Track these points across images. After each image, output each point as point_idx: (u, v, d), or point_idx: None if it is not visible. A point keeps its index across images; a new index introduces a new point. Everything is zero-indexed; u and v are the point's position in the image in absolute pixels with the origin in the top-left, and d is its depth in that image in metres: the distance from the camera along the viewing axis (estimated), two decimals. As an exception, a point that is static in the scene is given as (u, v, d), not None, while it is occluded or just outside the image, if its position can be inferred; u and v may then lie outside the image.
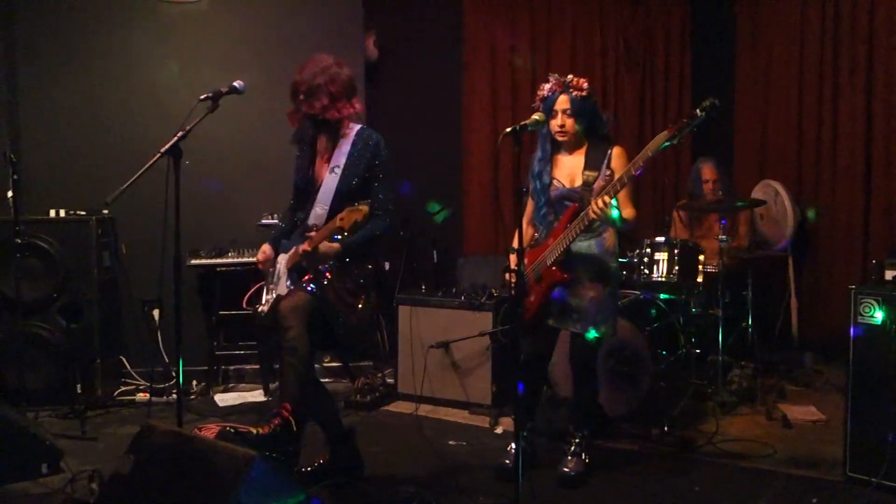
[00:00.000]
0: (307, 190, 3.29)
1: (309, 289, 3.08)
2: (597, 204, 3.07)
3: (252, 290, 3.36)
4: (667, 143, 3.04)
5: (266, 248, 3.33)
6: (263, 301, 3.27)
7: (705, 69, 6.22)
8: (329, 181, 3.20)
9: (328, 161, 3.24)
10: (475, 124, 6.03)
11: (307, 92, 3.15)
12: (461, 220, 6.10)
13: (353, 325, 3.18)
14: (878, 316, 3.18)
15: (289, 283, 3.20)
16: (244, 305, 3.35)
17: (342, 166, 3.20)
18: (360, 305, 3.20)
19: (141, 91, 5.06)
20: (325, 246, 3.06)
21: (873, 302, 3.20)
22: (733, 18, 6.07)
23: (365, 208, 2.93)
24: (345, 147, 3.23)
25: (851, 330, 3.26)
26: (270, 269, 3.29)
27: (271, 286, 3.26)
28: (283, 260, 3.25)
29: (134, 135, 4.88)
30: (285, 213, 3.48)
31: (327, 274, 3.12)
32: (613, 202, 3.09)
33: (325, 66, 3.19)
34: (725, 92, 6.10)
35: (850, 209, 5.26)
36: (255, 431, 2.89)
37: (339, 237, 3.01)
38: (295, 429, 3.01)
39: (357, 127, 3.30)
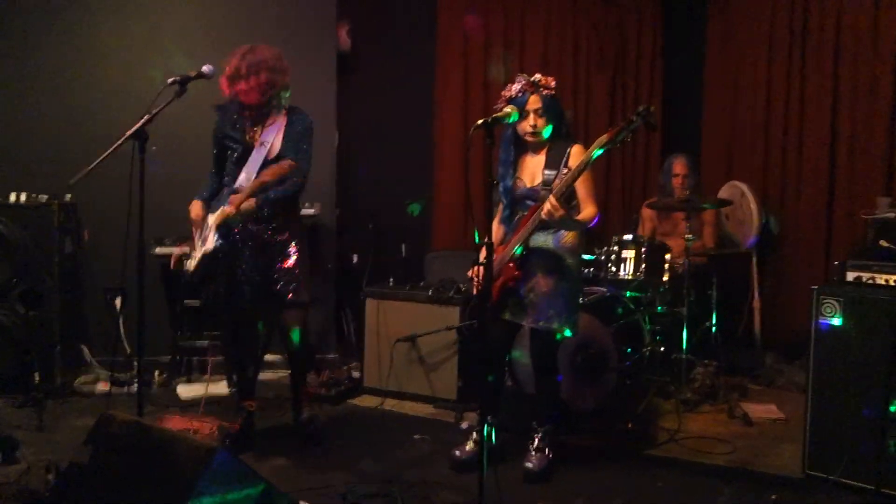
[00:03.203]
0: (227, 157, 3.57)
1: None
2: (547, 205, 3.11)
3: (176, 253, 3.56)
4: (603, 149, 3.09)
5: (198, 206, 3.55)
6: (192, 257, 3.47)
7: (676, 70, 6.28)
8: (257, 154, 3.45)
9: (254, 133, 3.50)
10: (446, 118, 6.01)
11: (247, 77, 3.38)
12: (431, 214, 6.08)
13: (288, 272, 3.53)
14: (839, 317, 3.23)
15: (217, 239, 3.41)
16: (172, 267, 3.58)
17: (269, 142, 3.45)
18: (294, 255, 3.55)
19: (107, 74, 4.96)
20: (245, 204, 3.36)
21: (835, 303, 3.25)
22: (705, 20, 6.13)
23: (287, 163, 3.36)
24: (273, 126, 3.48)
25: (813, 330, 3.30)
26: (199, 227, 3.53)
27: (198, 242, 3.47)
28: (211, 218, 3.46)
29: (99, 118, 4.79)
30: (210, 176, 3.68)
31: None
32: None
33: (268, 57, 3.43)
34: (695, 93, 6.17)
35: (813, 211, 5.33)
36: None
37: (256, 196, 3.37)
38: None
39: (287, 106, 3.54)
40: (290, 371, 3.90)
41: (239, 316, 3.64)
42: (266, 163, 3.44)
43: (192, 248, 3.51)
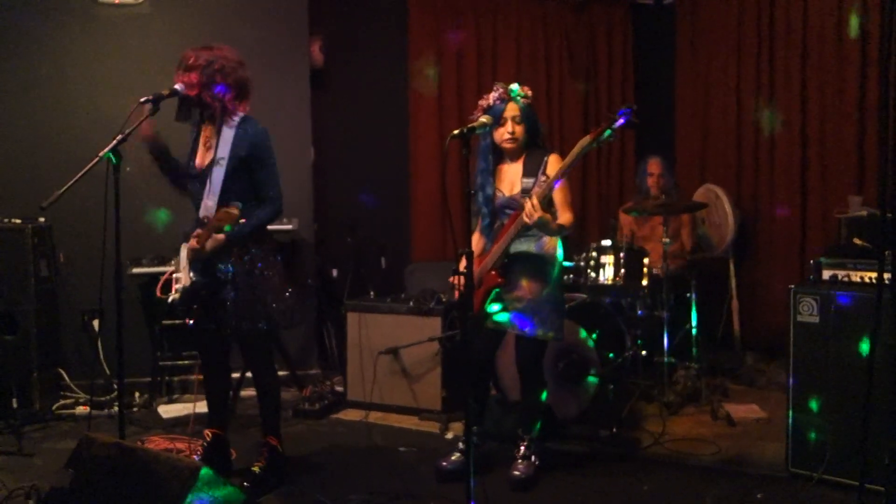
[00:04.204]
0: (188, 174, 3.38)
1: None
2: (528, 207, 3.12)
3: (164, 278, 3.38)
4: (587, 148, 3.11)
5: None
6: (173, 290, 3.35)
7: (647, 76, 6.35)
8: (216, 174, 3.26)
9: (211, 150, 3.32)
10: (422, 130, 6.03)
11: (206, 73, 3.22)
12: (409, 226, 6.09)
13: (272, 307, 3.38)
14: (816, 315, 3.27)
15: (192, 275, 3.31)
16: (158, 294, 3.39)
17: (227, 157, 3.26)
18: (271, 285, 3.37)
19: (79, 94, 4.92)
20: (210, 242, 3.22)
21: (812, 301, 3.29)
22: (673, 25, 6.21)
23: (235, 210, 3.07)
24: (227, 137, 3.29)
25: (791, 328, 3.34)
26: (175, 258, 3.42)
27: (177, 274, 3.37)
28: (183, 251, 3.36)
29: (71, 139, 4.74)
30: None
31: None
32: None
33: (229, 58, 3.31)
34: (667, 98, 6.24)
35: (787, 212, 5.40)
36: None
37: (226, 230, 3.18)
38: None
39: (239, 117, 3.34)
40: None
41: (212, 345, 3.53)
42: (226, 177, 3.26)
43: (175, 281, 3.39)
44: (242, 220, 3.09)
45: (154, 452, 2.51)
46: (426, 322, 4.48)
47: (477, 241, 3.57)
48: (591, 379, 3.95)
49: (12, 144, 4.85)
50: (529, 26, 6.12)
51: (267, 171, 3.35)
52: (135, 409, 4.67)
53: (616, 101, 6.23)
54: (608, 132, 3.07)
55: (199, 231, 3.25)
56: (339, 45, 5.86)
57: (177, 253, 3.42)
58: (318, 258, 5.55)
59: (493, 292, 3.41)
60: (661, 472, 3.55)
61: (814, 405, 3.28)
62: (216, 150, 3.29)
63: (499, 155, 3.53)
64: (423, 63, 6.00)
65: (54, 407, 4.59)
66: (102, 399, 4.67)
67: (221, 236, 3.21)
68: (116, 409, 3.93)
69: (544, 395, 3.57)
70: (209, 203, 3.27)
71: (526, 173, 3.42)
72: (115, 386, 4.57)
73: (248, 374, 3.70)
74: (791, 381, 3.37)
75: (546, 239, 3.44)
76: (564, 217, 3.35)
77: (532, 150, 3.47)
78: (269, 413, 3.54)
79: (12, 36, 4.86)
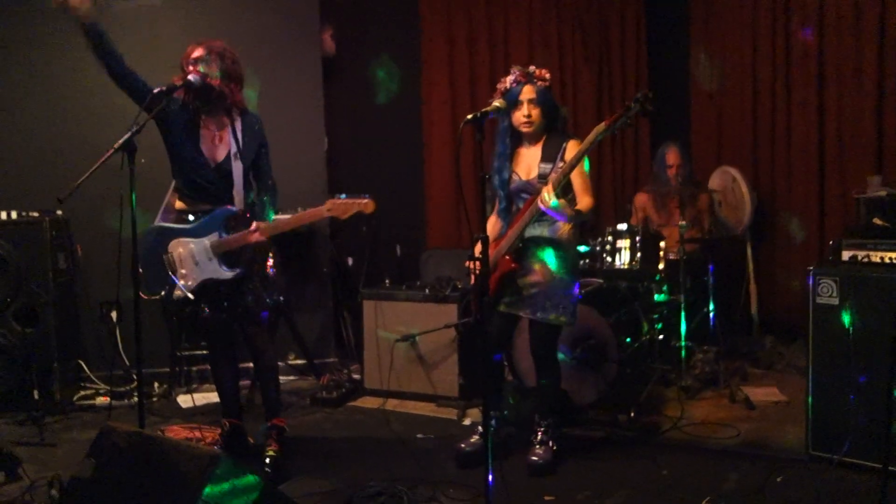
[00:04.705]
0: (193, 162, 3.38)
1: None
2: (543, 193, 3.12)
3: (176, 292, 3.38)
4: (602, 135, 3.12)
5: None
6: (181, 286, 3.35)
7: (661, 59, 6.29)
8: (238, 168, 3.36)
9: (224, 143, 3.36)
10: (434, 117, 6.01)
11: (223, 65, 3.30)
12: (423, 213, 6.08)
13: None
14: (836, 297, 3.24)
15: (225, 268, 3.33)
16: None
17: (243, 151, 3.37)
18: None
19: (94, 87, 4.91)
20: (258, 241, 3.33)
21: (831, 282, 3.26)
22: (687, 7, 6.14)
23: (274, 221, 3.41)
24: (239, 129, 3.38)
25: (811, 310, 3.31)
26: (180, 256, 3.38)
27: (183, 271, 3.35)
28: (207, 245, 3.34)
29: (87, 132, 4.76)
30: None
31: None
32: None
33: (234, 52, 3.38)
34: (681, 80, 6.18)
35: (805, 192, 5.34)
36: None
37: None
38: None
39: (241, 109, 3.43)
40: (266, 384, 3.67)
41: (219, 335, 3.59)
42: (245, 170, 3.37)
43: (181, 278, 3.39)
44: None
45: (174, 441, 2.53)
46: (442, 309, 4.48)
47: (493, 224, 3.58)
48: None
49: (29, 139, 4.89)
50: (542, 11, 6.06)
51: (268, 158, 3.50)
52: (154, 399, 4.70)
53: (630, 84, 6.17)
54: (623, 119, 3.06)
55: (258, 224, 3.30)
56: (351, 34, 5.85)
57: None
58: (334, 247, 5.56)
59: (507, 277, 3.40)
60: (679, 456, 3.54)
61: (834, 388, 3.25)
62: (232, 144, 3.33)
63: (517, 138, 3.51)
64: (434, 50, 5.97)
65: (75, 398, 4.64)
66: (122, 389, 4.72)
67: (265, 239, 3.33)
68: (136, 399, 3.98)
69: (559, 380, 3.57)
70: (237, 197, 3.36)
71: (544, 158, 3.40)
72: (135, 376, 4.61)
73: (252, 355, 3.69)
74: (811, 363, 3.34)
75: (560, 224, 3.43)
76: (584, 202, 3.33)
77: (551, 134, 3.45)
78: (273, 395, 3.62)
79: (28, 31, 4.88)
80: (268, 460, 3.42)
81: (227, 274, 3.33)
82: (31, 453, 3.69)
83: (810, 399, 3.34)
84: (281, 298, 3.53)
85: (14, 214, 4.49)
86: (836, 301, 3.24)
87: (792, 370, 4.83)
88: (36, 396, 4.32)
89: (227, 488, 2.23)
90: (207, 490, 2.17)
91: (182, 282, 3.33)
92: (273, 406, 3.61)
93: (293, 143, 3.45)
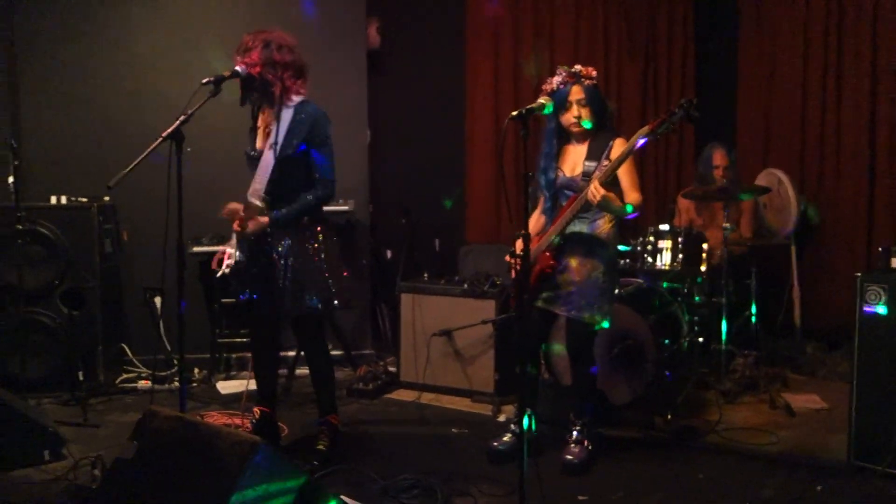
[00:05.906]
0: (248, 157, 3.45)
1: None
2: (591, 188, 3.12)
3: (217, 256, 3.42)
4: (644, 139, 3.11)
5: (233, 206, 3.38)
6: (224, 265, 3.37)
7: (708, 56, 6.19)
8: (267, 158, 3.31)
9: (270, 134, 3.34)
10: (478, 112, 5.99)
11: (265, 52, 3.25)
12: (463, 208, 6.08)
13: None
14: (884, 305, 3.16)
15: (238, 254, 3.37)
16: (213, 266, 3.43)
17: (280, 142, 3.29)
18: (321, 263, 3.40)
19: (142, 76, 5.03)
20: (252, 224, 3.27)
21: (879, 290, 3.19)
22: (737, 4, 6.03)
23: (258, 204, 3.27)
24: (285, 119, 3.32)
25: (857, 318, 3.24)
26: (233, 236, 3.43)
27: (230, 250, 3.40)
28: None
29: (135, 120, 4.85)
30: None
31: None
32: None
33: (286, 38, 3.34)
34: (729, 79, 6.07)
35: (854, 197, 5.23)
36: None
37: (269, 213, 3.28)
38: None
39: (298, 99, 3.36)
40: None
41: (263, 324, 3.57)
42: (277, 163, 3.29)
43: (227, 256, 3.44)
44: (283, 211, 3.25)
45: (215, 427, 2.57)
46: (480, 304, 4.48)
47: (536, 219, 3.58)
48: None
49: (79, 127, 4.99)
50: (588, 4, 6.00)
51: (320, 154, 3.37)
52: (194, 385, 4.78)
53: (676, 81, 6.08)
54: (666, 125, 3.04)
55: (241, 213, 3.28)
56: (396, 27, 5.86)
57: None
58: (373, 239, 5.59)
59: (546, 273, 3.39)
60: (717, 461, 3.50)
61: (879, 397, 3.18)
62: (274, 134, 3.32)
63: (564, 137, 3.50)
64: (479, 44, 5.95)
65: (117, 380, 4.74)
66: (163, 374, 4.81)
67: (265, 220, 3.27)
68: (177, 384, 4.05)
69: (594, 379, 3.55)
70: (257, 186, 3.32)
71: (589, 156, 3.38)
72: (176, 362, 4.70)
73: (303, 353, 3.73)
74: (855, 371, 3.27)
75: (599, 221, 3.41)
76: (632, 197, 3.32)
77: (599, 132, 3.43)
78: (326, 393, 3.60)
79: (78, 22, 4.98)
80: (319, 453, 3.44)
81: (238, 260, 3.36)
82: (75, 433, 3.77)
83: (854, 408, 3.27)
84: (336, 302, 3.45)
85: (63, 199, 4.60)
86: (884, 309, 3.17)
87: (834, 377, 4.74)
88: (80, 378, 4.42)
89: (266, 476, 2.26)
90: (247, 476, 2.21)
91: (227, 260, 3.40)
92: (324, 406, 3.59)
93: (336, 135, 3.44)
